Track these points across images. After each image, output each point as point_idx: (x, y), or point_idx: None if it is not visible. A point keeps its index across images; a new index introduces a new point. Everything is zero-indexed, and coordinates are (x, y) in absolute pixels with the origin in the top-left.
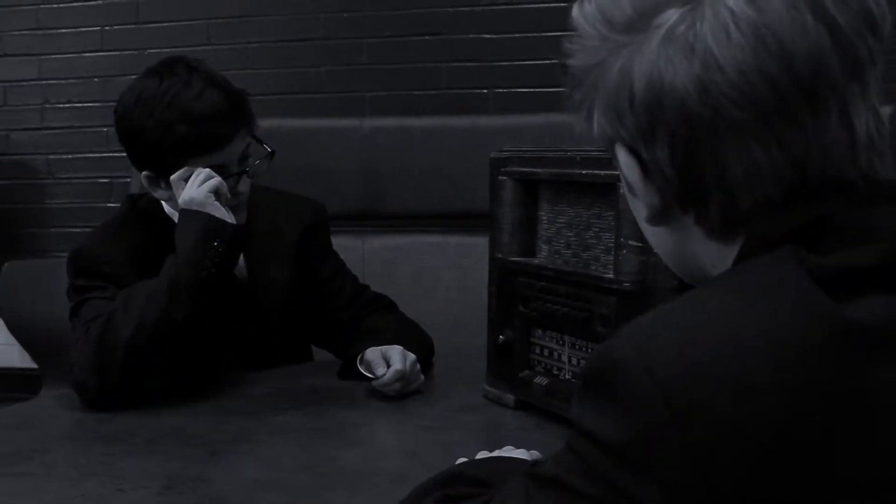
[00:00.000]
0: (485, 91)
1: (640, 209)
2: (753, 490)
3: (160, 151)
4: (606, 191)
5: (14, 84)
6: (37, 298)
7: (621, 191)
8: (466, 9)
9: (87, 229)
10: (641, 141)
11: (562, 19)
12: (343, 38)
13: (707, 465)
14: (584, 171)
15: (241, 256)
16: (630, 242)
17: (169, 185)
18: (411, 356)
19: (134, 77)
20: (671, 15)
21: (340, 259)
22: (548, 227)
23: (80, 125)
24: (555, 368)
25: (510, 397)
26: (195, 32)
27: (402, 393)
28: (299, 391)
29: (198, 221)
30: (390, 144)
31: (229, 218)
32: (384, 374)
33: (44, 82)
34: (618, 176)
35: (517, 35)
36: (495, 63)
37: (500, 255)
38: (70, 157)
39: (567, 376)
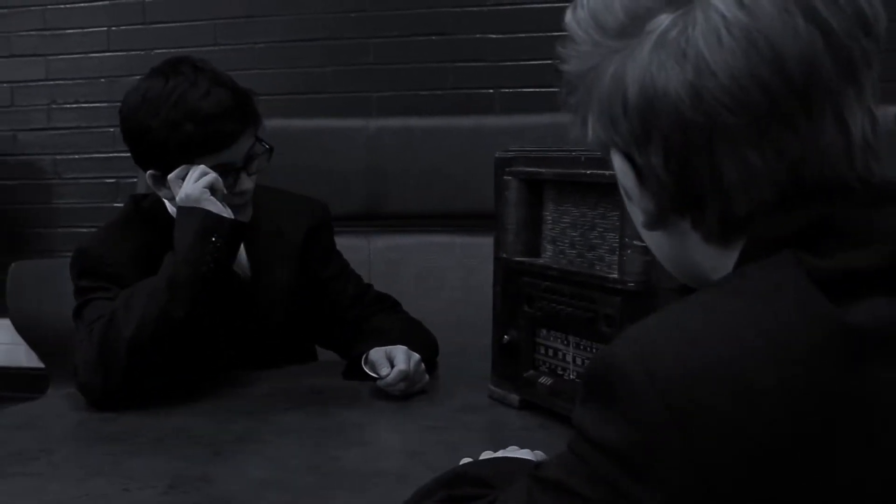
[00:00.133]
0: (491, 91)
1: (636, 214)
2: (754, 493)
3: (166, 150)
4: (611, 191)
5: (21, 84)
6: (43, 298)
7: None
8: (472, 9)
9: (94, 229)
10: (635, 147)
11: None
12: (349, 39)
13: (708, 468)
14: (588, 171)
15: (245, 256)
16: (634, 242)
17: None
18: (415, 356)
19: (140, 77)
20: (663, 20)
21: (344, 259)
22: (552, 227)
23: (86, 125)
24: (559, 368)
25: (515, 397)
26: (201, 33)
27: (407, 393)
28: (303, 391)
29: (195, 218)
30: (396, 144)
31: (226, 213)
32: (388, 375)
33: (51, 82)
34: None
35: (523, 35)
36: (501, 63)
37: (504, 255)
38: (77, 157)
39: (571, 376)
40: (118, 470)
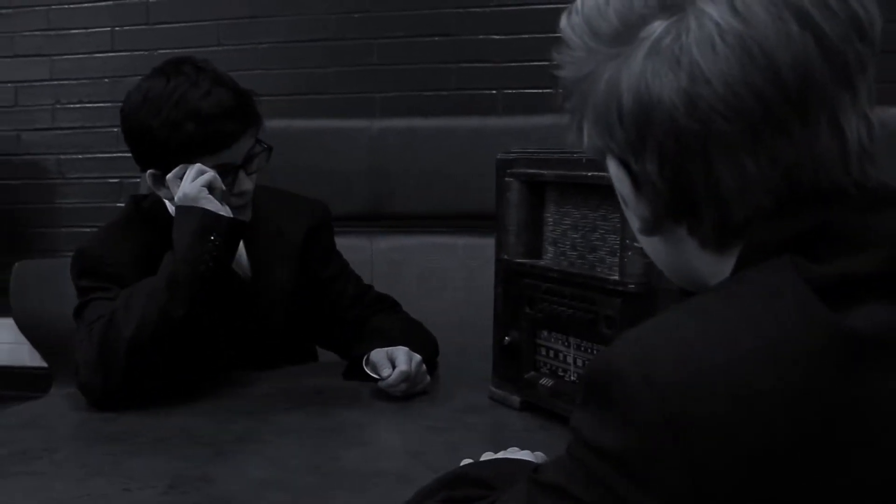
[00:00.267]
0: (494, 92)
1: (633, 220)
2: (750, 498)
3: (167, 150)
4: (612, 193)
5: (25, 84)
6: (47, 298)
7: None
8: (476, 10)
9: (97, 229)
10: (631, 154)
11: None
12: (352, 39)
13: (704, 473)
14: (590, 173)
15: (245, 256)
16: (635, 245)
17: None
18: (417, 357)
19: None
20: (656, 27)
21: (344, 259)
22: (553, 229)
23: (90, 125)
24: (560, 370)
25: (516, 398)
26: (205, 33)
27: (408, 394)
28: (304, 391)
29: (193, 217)
30: (399, 145)
31: (224, 211)
32: (390, 375)
33: (55, 83)
34: None
35: (526, 36)
36: (504, 64)
37: (505, 257)
38: (81, 157)
39: (572, 378)
40: (119, 470)
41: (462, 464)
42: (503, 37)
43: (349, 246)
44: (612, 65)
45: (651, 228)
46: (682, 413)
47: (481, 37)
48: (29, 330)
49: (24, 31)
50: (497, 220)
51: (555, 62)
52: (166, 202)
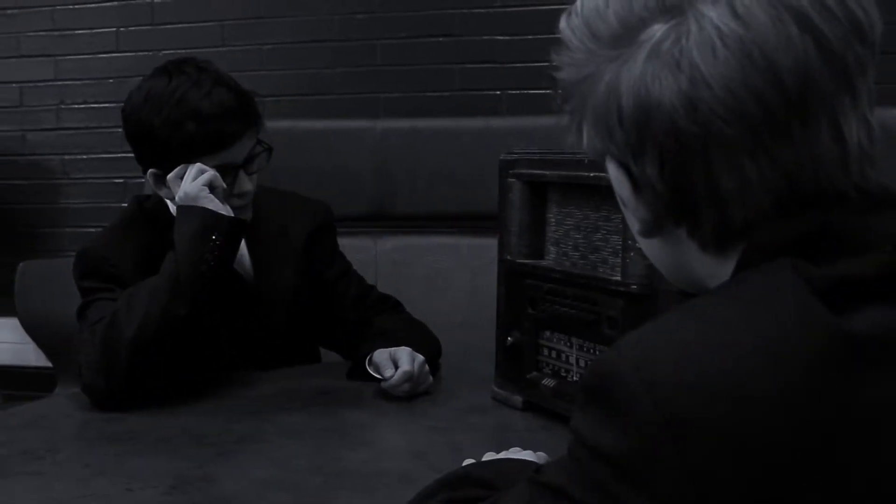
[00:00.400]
0: (498, 93)
1: (633, 222)
2: (750, 502)
3: (168, 149)
4: (614, 193)
5: (30, 85)
6: (52, 298)
7: None
8: (480, 10)
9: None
10: (631, 156)
11: None
12: (356, 40)
13: (703, 476)
14: (592, 174)
15: (248, 257)
16: (637, 245)
17: None
18: (420, 357)
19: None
20: (657, 30)
21: (347, 260)
22: (556, 230)
23: (95, 126)
24: (562, 370)
25: (518, 399)
26: (209, 34)
27: (411, 394)
28: (307, 392)
29: (194, 216)
30: (403, 146)
31: (224, 210)
32: (392, 376)
33: (60, 83)
34: None
35: (530, 37)
36: (508, 65)
37: (508, 257)
38: (85, 157)
39: (574, 378)
40: (121, 470)
41: (464, 464)
42: (507, 37)
43: (353, 246)
44: (612, 67)
45: (651, 230)
46: (681, 415)
47: (485, 37)
48: (33, 330)
49: (28, 31)
50: (499, 220)
51: (554, 63)
52: (168, 202)
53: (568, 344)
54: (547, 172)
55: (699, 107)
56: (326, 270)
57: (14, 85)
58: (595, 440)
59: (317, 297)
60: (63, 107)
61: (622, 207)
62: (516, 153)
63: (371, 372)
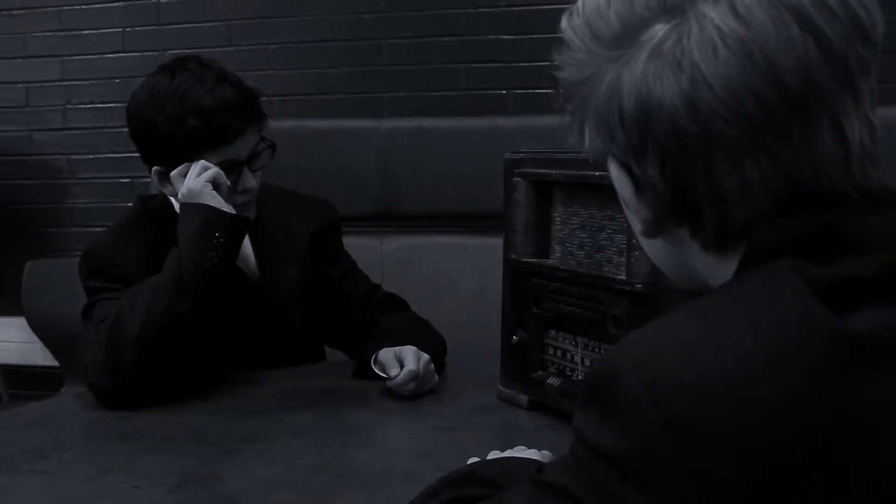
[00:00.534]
0: (503, 92)
1: (634, 222)
2: (750, 502)
3: (172, 146)
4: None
5: (37, 85)
6: (58, 297)
7: None
8: (485, 10)
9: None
10: (632, 157)
11: None
12: (362, 40)
13: (703, 477)
14: (597, 173)
15: (253, 256)
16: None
17: None
18: (425, 357)
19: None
20: (658, 30)
21: (352, 259)
22: (561, 229)
23: (101, 125)
24: (568, 369)
25: (524, 398)
26: (215, 33)
27: (416, 393)
28: (312, 391)
29: (197, 213)
30: (408, 145)
31: (227, 207)
32: (398, 375)
33: (66, 83)
34: None
35: (535, 36)
36: (514, 64)
37: (513, 256)
38: (92, 157)
39: (580, 377)
40: (128, 468)
41: (468, 462)
42: (512, 37)
43: (359, 246)
44: (614, 67)
45: (653, 231)
46: (681, 414)
47: (490, 37)
48: (41, 329)
49: (35, 31)
50: (505, 219)
51: (555, 63)
52: (173, 201)
53: (573, 343)
54: (552, 172)
55: (700, 107)
56: (332, 269)
57: (20, 85)
58: (596, 440)
59: (322, 296)
60: (69, 107)
61: (624, 208)
62: (521, 152)
63: (376, 371)
